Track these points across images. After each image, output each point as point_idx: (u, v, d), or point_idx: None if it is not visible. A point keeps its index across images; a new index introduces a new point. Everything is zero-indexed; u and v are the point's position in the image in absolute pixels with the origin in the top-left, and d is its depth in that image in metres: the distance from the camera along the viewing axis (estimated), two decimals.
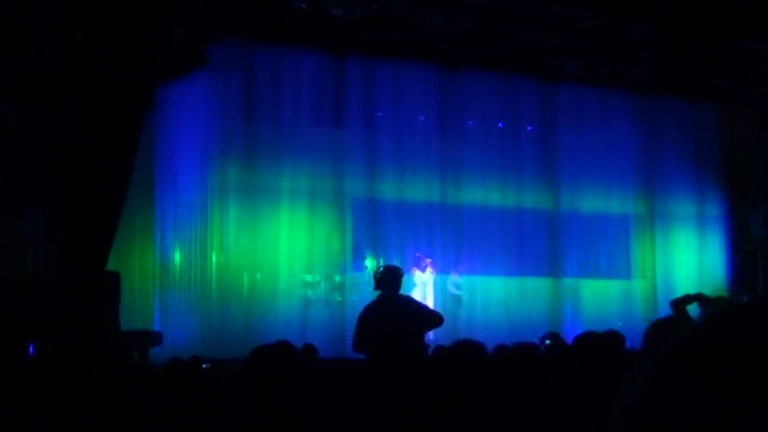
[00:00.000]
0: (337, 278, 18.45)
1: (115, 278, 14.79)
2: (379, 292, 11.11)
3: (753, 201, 20.84)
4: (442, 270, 19.05)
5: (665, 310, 12.94)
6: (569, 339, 9.20)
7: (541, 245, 20.00)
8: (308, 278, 18.67)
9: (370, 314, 11.00)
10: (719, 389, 0.96)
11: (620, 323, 12.02)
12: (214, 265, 17.50)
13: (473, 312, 18.94)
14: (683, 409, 0.97)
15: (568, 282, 20.08)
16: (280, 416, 5.72)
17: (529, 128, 19.90)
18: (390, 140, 18.39)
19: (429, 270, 18.50)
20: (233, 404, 6.22)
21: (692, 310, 10.69)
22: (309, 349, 10.82)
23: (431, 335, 12.54)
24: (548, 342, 11.89)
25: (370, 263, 18.49)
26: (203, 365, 8.88)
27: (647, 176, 20.57)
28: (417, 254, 18.54)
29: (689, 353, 1.02)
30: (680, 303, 10.52)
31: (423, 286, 18.26)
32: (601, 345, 6.23)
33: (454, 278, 19.16)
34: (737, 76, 19.58)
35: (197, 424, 6.02)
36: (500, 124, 19.57)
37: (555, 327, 16.86)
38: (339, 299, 18.34)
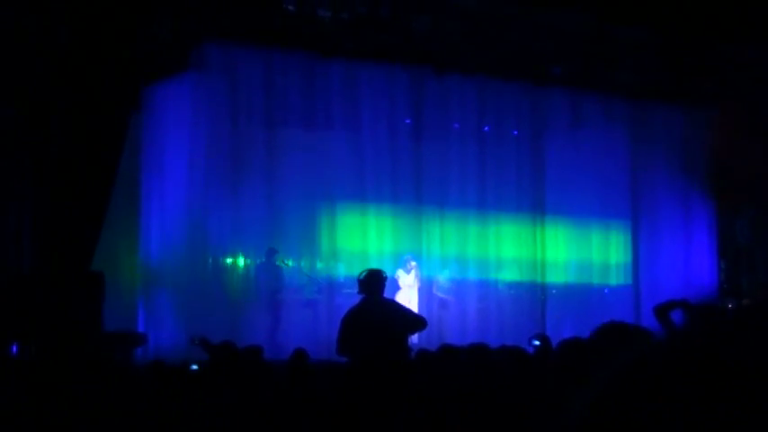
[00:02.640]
0: (322, 280, 18.42)
1: (99, 278, 14.74)
2: (363, 295, 11.12)
3: (739, 207, 20.85)
4: (427, 273, 19.06)
5: (649, 316, 12.93)
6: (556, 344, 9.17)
7: (527, 249, 20.01)
8: (293, 280, 18.67)
9: (353, 317, 11.00)
10: (685, 400, 0.94)
11: (536, 342, 11.93)
12: (199, 266, 17.46)
13: (458, 316, 18.93)
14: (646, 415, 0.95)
15: (554, 286, 20.09)
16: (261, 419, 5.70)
17: (515, 132, 19.89)
18: (376, 143, 18.37)
19: (414, 273, 18.49)
20: (217, 404, 6.19)
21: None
22: (300, 355, 10.73)
23: (414, 338, 12.50)
24: (536, 343, 11.87)
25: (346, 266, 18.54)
26: (192, 367, 8.83)
27: (633, 181, 20.56)
28: (406, 256, 18.53)
29: (649, 364, 1.00)
30: (664, 309, 10.48)
31: (407, 289, 18.24)
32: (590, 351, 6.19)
33: (440, 281, 19.16)
34: (725, 81, 19.58)
35: (181, 424, 5.98)
36: (486, 128, 19.55)
37: (538, 329, 16.85)
38: (323, 301, 18.29)
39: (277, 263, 18.27)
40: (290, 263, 18.62)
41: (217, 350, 7.36)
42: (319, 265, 18.90)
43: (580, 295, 19.91)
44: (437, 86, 18.53)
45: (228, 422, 5.81)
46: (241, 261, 18.46)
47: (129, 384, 7.51)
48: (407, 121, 18.76)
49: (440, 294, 19.05)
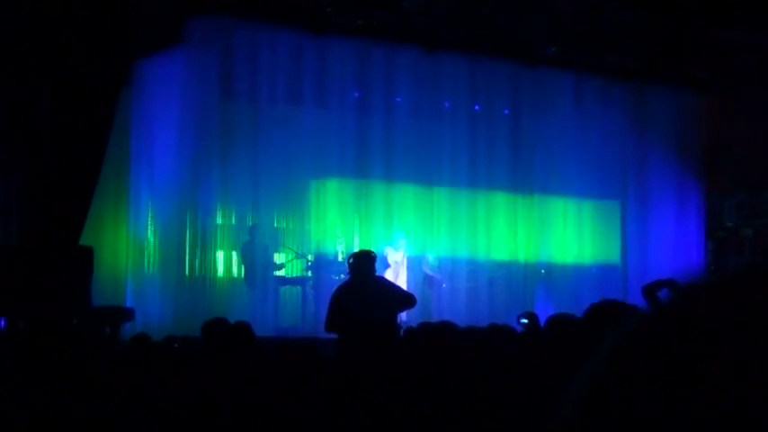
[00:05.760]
0: (311, 257, 18.39)
1: (88, 253, 14.74)
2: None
3: (727, 189, 20.89)
4: (416, 251, 19.05)
5: (636, 295, 12.94)
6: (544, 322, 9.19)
7: (516, 228, 20.02)
8: (280, 258, 18.65)
9: (343, 294, 11.04)
10: (677, 375, 0.94)
11: (524, 320, 11.91)
12: (188, 243, 17.43)
13: (447, 294, 18.93)
14: (638, 397, 0.96)
15: (542, 266, 20.12)
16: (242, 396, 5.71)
17: (506, 111, 19.85)
18: (367, 121, 18.32)
19: (403, 251, 18.47)
20: (198, 382, 6.21)
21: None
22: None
23: (404, 315, 12.52)
24: (524, 321, 11.89)
25: (343, 244, 18.51)
26: (175, 345, 8.83)
27: (623, 161, 20.59)
28: (396, 234, 18.51)
29: (644, 338, 1.01)
30: (652, 289, 10.50)
31: (396, 266, 18.22)
32: (580, 329, 6.21)
33: (429, 259, 19.14)
34: (718, 64, 19.60)
35: (169, 400, 5.99)
36: (476, 107, 19.51)
37: (526, 308, 16.86)
38: (312, 278, 18.26)
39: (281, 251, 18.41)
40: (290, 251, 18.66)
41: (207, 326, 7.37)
42: (308, 243, 18.84)
43: (569, 274, 19.94)
44: (428, 65, 18.48)
45: (222, 400, 5.82)
46: (229, 237, 18.41)
47: (118, 359, 7.52)
48: (398, 100, 18.70)
49: (429, 272, 19.04)
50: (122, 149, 16.98)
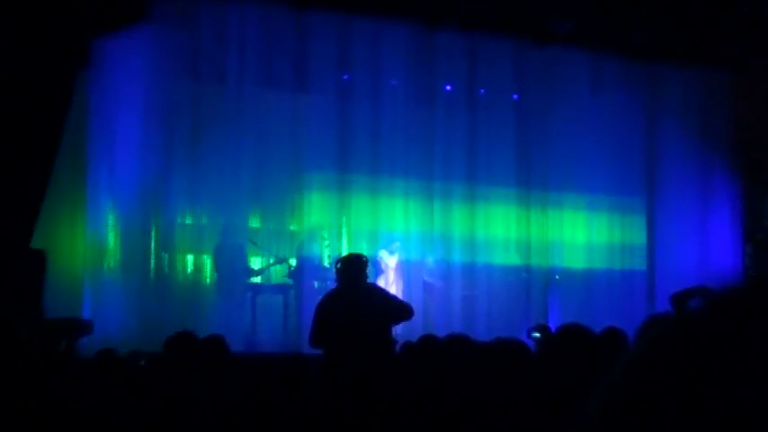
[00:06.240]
0: (293, 262, 18.35)
1: (41, 257, 14.72)
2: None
3: (767, 184, 20.80)
4: (413, 255, 18.98)
5: (664, 305, 12.97)
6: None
7: (528, 229, 19.95)
8: (257, 262, 18.61)
9: (329, 304, 11.02)
10: (698, 388, 0.96)
11: (536, 334, 11.94)
12: (154, 245, 17.40)
13: (448, 303, 18.87)
14: (658, 408, 0.97)
15: (557, 271, 20.05)
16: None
17: (515, 96, 19.79)
18: (357, 107, 18.28)
19: (398, 254, 18.43)
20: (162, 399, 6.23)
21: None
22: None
23: (398, 328, 12.52)
24: (536, 335, 11.94)
25: (329, 248, 18.46)
26: (141, 362, 8.87)
27: (647, 153, 20.51)
28: (392, 235, 18.47)
29: (666, 351, 1.03)
30: (681, 298, 10.54)
31: (391, 272, 18.20)
32: (598, 343, 6.22)
33: (429, 265, 19.08)
34: (753, 40, 19.53)
35: (128, 419, 6.02)
36: (482, 91, 19.46)
37: (538, 320, 16.86)
38: (293, 285, 18.19)
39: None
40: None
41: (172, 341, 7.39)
42: (289, 245, 18.80)
43: (587, 281, 19.86)
44: (427, 44, 18.43)
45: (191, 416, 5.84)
46: (200, 238, 18.35)
47: (76, 377, 7.53)
48: (393, 83, 18.65)
49: (429, 280, 18.97)
50: (79, 139, 16.92)
